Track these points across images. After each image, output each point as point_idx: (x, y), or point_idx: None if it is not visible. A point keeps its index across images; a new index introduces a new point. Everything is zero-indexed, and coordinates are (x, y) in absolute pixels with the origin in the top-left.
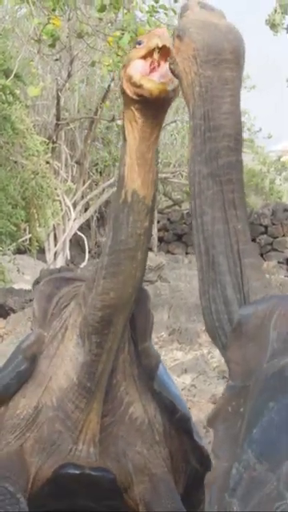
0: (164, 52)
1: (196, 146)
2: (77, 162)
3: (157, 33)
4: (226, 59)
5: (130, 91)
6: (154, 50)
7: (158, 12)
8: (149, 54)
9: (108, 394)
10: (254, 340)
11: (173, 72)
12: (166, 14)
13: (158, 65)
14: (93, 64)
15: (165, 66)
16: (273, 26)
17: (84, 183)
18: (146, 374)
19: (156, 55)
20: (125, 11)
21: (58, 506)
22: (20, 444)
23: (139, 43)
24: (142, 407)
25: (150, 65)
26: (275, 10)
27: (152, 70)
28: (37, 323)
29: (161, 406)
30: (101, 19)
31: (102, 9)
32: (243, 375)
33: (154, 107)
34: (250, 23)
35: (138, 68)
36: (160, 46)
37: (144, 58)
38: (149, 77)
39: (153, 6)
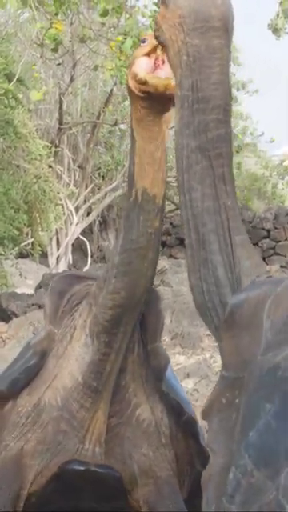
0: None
1: (183, 118)
2: (79, 166)
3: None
4: (213, 27)
5: (135, 89)
6: (157, 46)
7: None
8: (153, 51)
9: (116, 395)
10: (246, 329)
11: (158, 40)
12: None
13: (163, 62)
14: (95, 68)
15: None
16: (275, 30)
17: (86, 187)
18: (155, 375)
19: (160, 51)
20: (127, 16)
21: (63, 505)
22: (20, 446)
23: (143, 41)
24: (150, 409)
25: (155, 62)
26: (277, 15)
27: (157, 67)
28: (47, 319)
29: (168, 407)
30: (103, 24)
31: (105, 13)
32: (237, 366)
33: (160, 104)
34: (252, 28)
35: (142, 65)
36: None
37: (148, 55)
38: (154, 73)
39: (155, 10)
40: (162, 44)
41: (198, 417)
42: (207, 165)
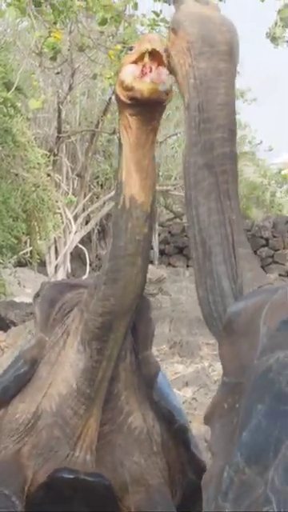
0: (155, 56)
1: (191, 138)
2: (78, 175)
3: (147, 37)
4: (219, 51)
5: (123, 96)
6: (144, 54)
7: (159, 25)
8: (140, 59)
9: (108, 402)
10: (245, 336)
11: (168, 65)
12: (166, 27)
13: (150, 70)
14: (94, 77)
15: (156, 71)
16: (273, 39)
17: (85, 196)
18: (146, 383)
19: (147, 59)
20: (126, 25)
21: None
22: (18, 448)
23: (130, 49)
24: (141, 417)
25: (142, 70)
26: (276, 23)
27: (144, 74)
28: (38, 327)
29: (159, 415)
30: (102, 32)
31: (103, 22)
32: (236, 371)
33: (147, 111)
34: (250, 36)
35: (129, 72)
36: (150, 50)
37: (136, 62)
38: (140, 79)
39: (154, 19)
40: (171, 69)
41: (197, 425)
42: (213, 181)
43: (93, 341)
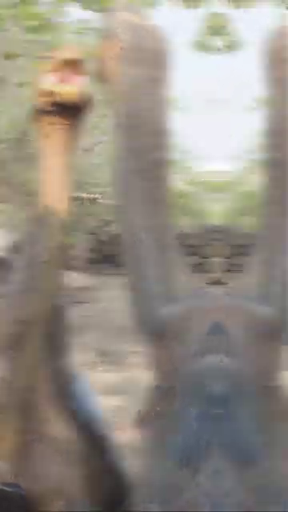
0: (72, 65)
1: (120, 144)
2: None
3: (64, 47)
4: (151, 58)
5: (40, 103)
6: (62, 62)
7: (87, 33)
8: (57, 67)
9: (28, 412)
10: (176, 339)
11: (100, 72)
12: (95, 35)
13: (68, 78)
14: (21, 85)
15: (74, 79)
16: (202, 47)
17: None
18: (63, 392)
19: (65, 68)
20: (54, 33)
21: None
22: None
23: (48, 58)
24: (61, 426)
25: (60, 78)
26: (203, 32)
27: (62, 82)
28: None
29: (78, 424)
30: (30, 41)
31: (32, 30)
32: (167, 376)
33: (66, 117)
34: (177, 45)
35: (47, 80)
36: (67, 59)
37: (53, 71)
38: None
39: (83, 27)
40: (102, 76)
41: (122, 433)
42: (144, 186)
43: (7, 350)
